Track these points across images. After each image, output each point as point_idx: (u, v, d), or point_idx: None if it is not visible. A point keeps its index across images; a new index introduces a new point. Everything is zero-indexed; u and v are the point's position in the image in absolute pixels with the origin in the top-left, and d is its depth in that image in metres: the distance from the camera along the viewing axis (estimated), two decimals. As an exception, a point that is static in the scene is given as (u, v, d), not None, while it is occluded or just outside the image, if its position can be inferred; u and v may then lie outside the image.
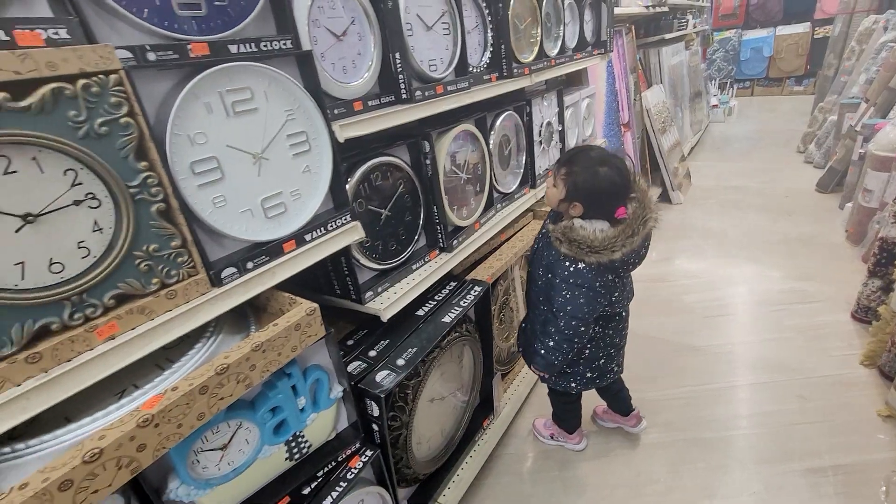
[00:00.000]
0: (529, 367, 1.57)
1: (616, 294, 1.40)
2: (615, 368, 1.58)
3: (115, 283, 0.70)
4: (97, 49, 0.64)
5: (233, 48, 0.83)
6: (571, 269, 1.29)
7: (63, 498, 0.58)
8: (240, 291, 0.85)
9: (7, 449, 0.65)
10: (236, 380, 0.78)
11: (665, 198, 4.09)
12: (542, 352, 1.41)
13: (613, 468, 1.74)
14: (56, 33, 0.63)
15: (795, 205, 3.82)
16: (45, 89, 0.59)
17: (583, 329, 1.34)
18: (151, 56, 0.73)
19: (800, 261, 2.99)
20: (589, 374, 1.53)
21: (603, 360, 1.52)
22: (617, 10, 2.79)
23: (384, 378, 1.14)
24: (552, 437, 1.84)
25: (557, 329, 1.35)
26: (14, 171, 0.60)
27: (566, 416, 1.78)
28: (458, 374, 1.55)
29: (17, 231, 0.61)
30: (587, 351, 1.49)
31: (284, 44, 0.91)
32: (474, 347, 1.57)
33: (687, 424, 1.89)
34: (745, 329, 2.45)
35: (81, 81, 0.62)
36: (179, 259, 0.77)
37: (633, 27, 3.60)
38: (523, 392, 1.95)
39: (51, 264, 0.65)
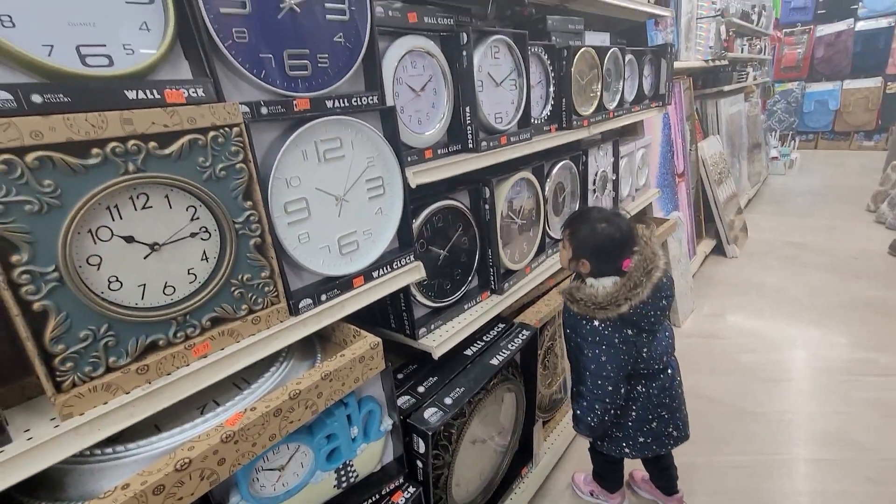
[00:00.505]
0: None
1: (645, 350, 1.35)
2: (673, 433, 1.46)
3: (212, 307, 0.79)
4: (227, 106, 0.75)
5: (329, 103, 0.93)
6: (588, 327, 1.31)
7: (155, 501, 0.65)
8: (313, 321, 0.92)
9: (109, 450, 0.73)
10: (305, 405, 0.83)
11: (720, 251, 3.96)
12: (578, 413, 1.39)
13: (657, 535, 1.65)
14: (195, 92, 0.74)
15: (865, 267, 3.58)
16: (185, 139, 0.70)
17: (611, 388, 1.30)
18: (264, 110, 0.84)
19: (871, 328, 2.79)
20: (642, 440, 1.44)
21: (655, 424, 1.43)
22: (676, 64, 2.82)
23: (432, 415, 1.16)
24: (592, 495, 1.77)
25: (587, 389, 1.34)
26: (150, 207, 0.70)
27: (607, 475, 1.71)
28: (500, 417, 1.54)
29: (145, 258, 0.71)
30: (633, 413, 1.41)
31: (372, 99, 1.01)
32: (517, 392, 1.56)
33: (741, 497, 1.77)
34: (808, 397, 2.28)
35: (211, 133, 0.73)
36: (266, 288, 0.85)
37: (690, 78, 3.61)
38: (564, 442, 1.90)
39: (165, 287, 0.74)
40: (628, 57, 2.05)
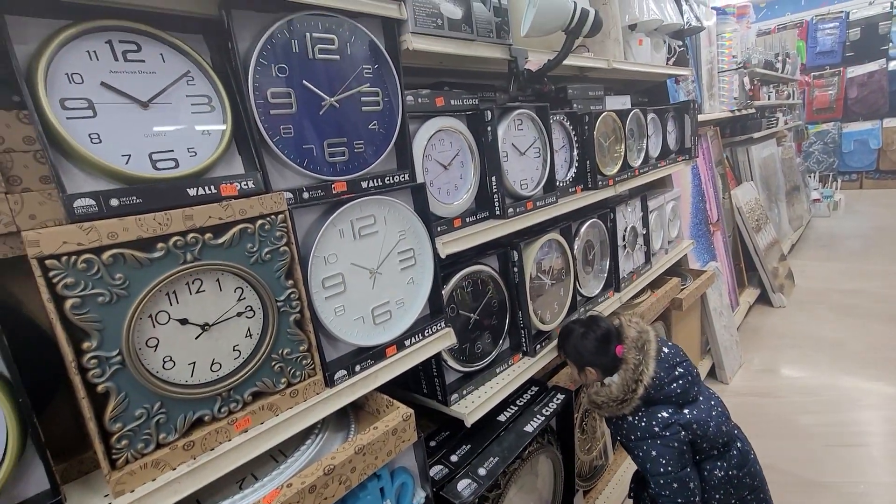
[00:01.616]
0: None
1: (695, 425, 1.28)
2: None
3: (254, 382, 0.83)
4: (273, 196, 0.83)
5: (364, 184, 1.01)
6: (625, 426, 1.30)
7: (194, 583, 0.66)
8: (348, 392, 0.94)
9: (153, 526, 0.76)
10: (339, 481, 0.84)
11: (765, 300, 3.77)
12: None
13: None
14: (246, 185, 0.83)
15: (932, 316, 3.32)
16: (236, 229, 0.78)
17: (676, 486, 1.22)
18: (305, 195, 0.92)
19: (946, 385, 2.54)
20: None
21: (748, 494, 1.32)
22: (700, 117, 2.86)
23: (465, 487, 1.13)
24: None
25: (656, 493, 1.26)
26: (203, 290, 0.77)
27: None
28: (537, 487, 1.48)
29: (196, 338, 0.76)
30: (716, 500, 1.31)
31: (403, 177, 1.08)
32: (554, 459, 1.50)
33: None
34: (884, 467, 2.07)
35: (259, 221, 0.80)
36: (304, 361, 0.89)
37: (717, 129, 3.63)
38: (607, 514, 1.78)
39: (212, 364, 0.79)
40: (651, 116, 2.11)
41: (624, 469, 1.96)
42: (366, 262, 1.01)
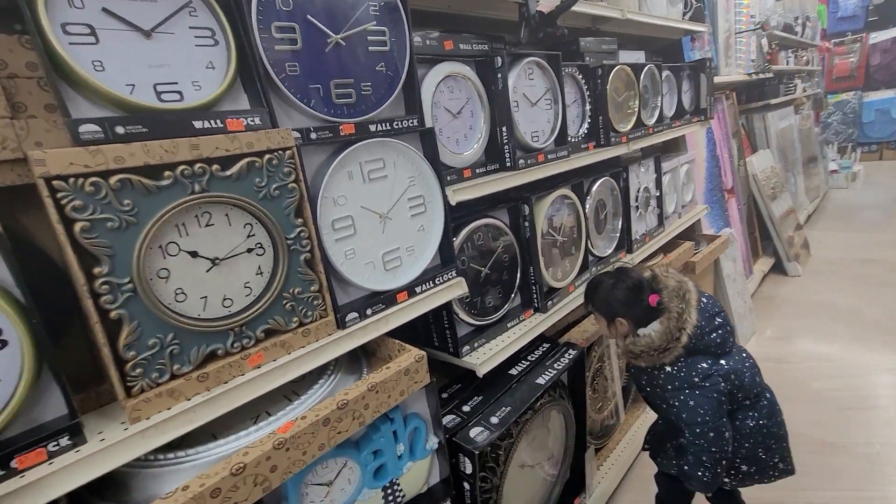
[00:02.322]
0: (669, 470, 1.44)
1: (733, 375, 1.27)
2: (779, 465, 1.34)
3: (266, 319, 0.83)
4: (280, 132, 0.81)
5: (372, 127, 0.99)
6: (662, 376, 1.27)
7: (212, 504, 0.67)
8: (359, 335, 0.94)
9: (171, 455, 0.77)
10: (352, 416, 0.85)
11: (780, 269, 3.71)
12: (686, 469, 1.28)
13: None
14: (252, 120, 0.81)
15: (952, 283, 3.24)
16: (243, 162, 0.76)
17: (713, 435, 1.21)
18: (313, 136, 0.90)
19: (964, 350, 2.50)
20: (745, 468, 1.33)
21: (763, 454, 1.32)
22: (716, 79, 2.77)
23: (478, 434, 1.14)
24: None
25: (688, 442, 1.25)
26: (212, 224, 0.76)
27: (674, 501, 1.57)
28: (550, 442, 1.48)
29: (207, 271, 0.76)
30: (745, 448, 1.31)
31: (412, 122, 1.06)
32: (566, 414, 1.50)
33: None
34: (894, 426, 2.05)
35: (267, 156, 0.79)
36: (315, 302, 0.89)
37: (733, 93, 3.52)
38: (620, 470, 1.79)
39: (224, 300, 0.79)
40: (665, 73, 2.04)
41: (636, 429, 1.96)
42: (376, 205, 1.00)
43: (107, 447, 0.66)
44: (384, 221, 1.01)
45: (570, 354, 1.47)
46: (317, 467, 0.91)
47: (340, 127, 0.94)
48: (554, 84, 1.43)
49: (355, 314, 0.95)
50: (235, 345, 0.80)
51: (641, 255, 1.97)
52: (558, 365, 1.42)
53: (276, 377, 0.82)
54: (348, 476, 0.97)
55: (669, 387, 1.26)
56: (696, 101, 2.36)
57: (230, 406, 0.77)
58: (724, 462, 1.23)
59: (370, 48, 0.98)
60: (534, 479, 1.43)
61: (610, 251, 1.82)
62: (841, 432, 2.05)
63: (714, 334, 1.28)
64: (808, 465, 1.89)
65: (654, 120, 1.95)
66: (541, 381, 1.34)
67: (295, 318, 0.86)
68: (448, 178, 1.17)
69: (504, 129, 1.28)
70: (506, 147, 1.29)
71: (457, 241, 1.22)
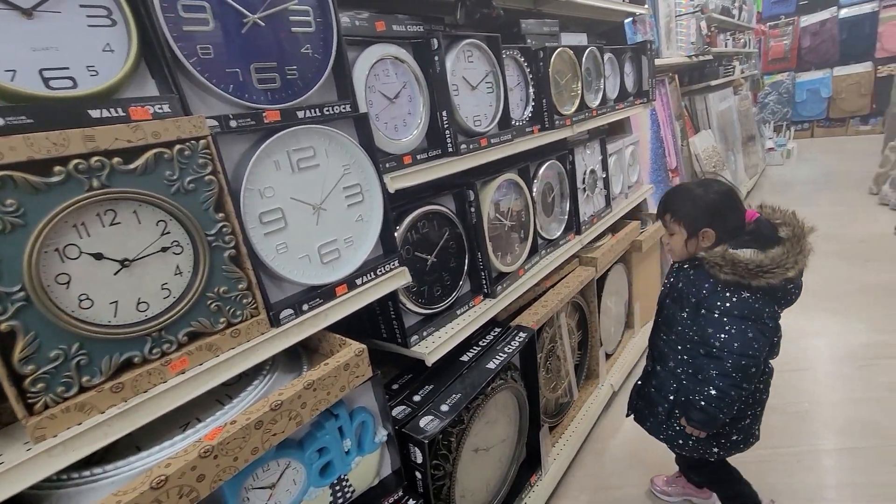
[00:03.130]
0: (659, 432, 1.40)
1: (778, 335, 1.24)
2: (756, 433, 1.37)
3: (188, 322, 0.78)
4: (192, 119, 0.75)
5: (300, 113, 0.94)
6: (734, 299, 1.16)
7: (131, 522, 0.63)
8: (295, 332, 0.90)
9: (86, 472, 0.72)
10: (289, 416, 0.82)
11: (721, 244, 3.91)
12: (703, 403, 1.21)
13: (677, 538, 1.58)
14: (161, 108, 0.75)
15: (873, 250, 3.52)
16: (150, 154, 0.71)
17: (753, 370, 1.16)
18: (233, 123, 0.85)
19: (886, 311, 2.72)
20: (735, 437, 1.31)
21: (749, 421, 1.32)
22: (658, 62, 2.84)
23: (428, 423, 1.14)
24: None
25: (722, 372, 1.17)
26: (118, 223, 0.70)
27: (738, 488, 1.49)
28: (504, 424, 1.51)
29: (115, 274, 0.70)
30: (740, 412, 1.28)
31: (344, 108, 1.01)
32: (519, 396, 1.53)
33: (764, 494, 1.70)
34: (827, 386, 2.21)
35: (178, 146, 0.73)
36: (244, 300, 0.84)
37: (675, 76, 3.63)
38: (574, 447, 1.85)
39: (138, 303, 0.73)
40: (607, 55, 2.07)
41: (588, 405, 2.03)
42: (308, 196, 0.95)
43: (7, 470, 0.60)
44: (318, 213, 0.97)
45: (520, 337, 1.48)
46: (257, 471, 0.87)
47: (264, 114, 0.89)
48: (495, 67, 1.41)
49: (290, 311, 0.91)
50: (154, 351, 0.74)
51: (590, 235, 2.01)
52: (509, 348, 1.43)
53: (203, 382, 0.77)
54: (293, 476, 0.94)
55: (736, 312, 1.16)
56: (639, 84, 2.42)
57: (152, 416, 0.72)
58: (741, 399, 1.20)
59: (293, 29, 0.93)
60: (489, 462, 1.45)
61: (559, 233, 1.85)
62: (775, 393, 2.16)
63: (797, 291, 1.22)
64: (746, 426, 2.03)
65: (597, 102, 1.98)
66: (491, 365, 1.35)
67: (222, 319, 0.82)
68: (386, 165, 1.14)
69: (444, 113, 1.26)
70: (447, 132, 1.27)
71: (400, 230, 1.20)
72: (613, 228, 2.29)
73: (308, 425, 0.97)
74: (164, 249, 0.75)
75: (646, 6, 2.54)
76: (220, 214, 0.80)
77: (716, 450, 1.33)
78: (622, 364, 2.33)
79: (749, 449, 1.37)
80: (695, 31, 3.48)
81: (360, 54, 1.09)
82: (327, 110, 0.98)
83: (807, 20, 7.98)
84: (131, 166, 0.69)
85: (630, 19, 2.56)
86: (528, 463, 1.66)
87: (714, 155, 3.96)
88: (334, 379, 0.89)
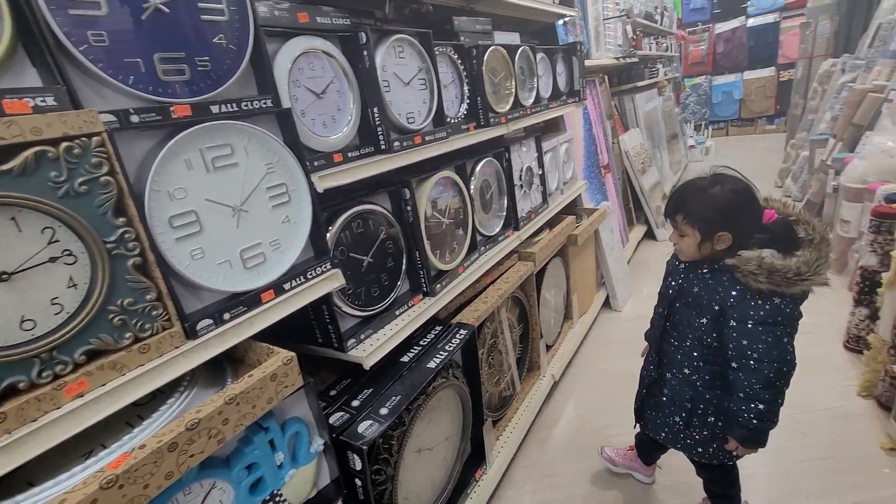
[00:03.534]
0: (676, 442, 1.34)
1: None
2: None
3: (86, 339, 0.70)
4: (81, 114, 0.67)
5: (214, 108, 0.88)
6: (767, 307, 1.09)
7: (16, 570, 0.55)
8: (216, 343, 0.84)
9: (-38, 519, 0.63)
10: (208, 435, 0.76)
11: (650, 235, 4.17)
12: (755, 421, 1.13)
13: (614, 517, 1.66)
14: (43, 101, 0.67)
15: (778, 238, 3.90)
16: (28, 153, 0.62)
17: (789, 374, 1.11)
18: (135, 119, 0.77)
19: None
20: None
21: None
22: (588, 62, 2.96)
23: (367, 429, 1.11)
24: None
25: (766, 383, 1.10)
26: (-10, 231, 0.61)
27: (734, 490, 1.47)
28: (447, 422, 1.51)
29: (-11, 290, 0.62)
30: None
31: (265, 103, 0.96)
32: (462, 393, 1.54)
33: (682, 467, 1.82)
34: (738, 364, 2.42)
35: (64, 144, 0.65)
36: (154, 312, 0.77)
37: (605, 77, 3.81)
38: (517, 439, 1.89)
39: (22, 322, 0.65)
40: (540, 55, 2.12)
41: (531, 396, 2.08)
42: (226, 198, 0.89)
43: None
44: (238, 215, 0.91)
45: (461, 335, 1.49)
46: (176, 495, 0.81)
47: (171, 108, 0.82)
48: (427, 63, 1.40)
49: (209, 321, 0.85)
50: (45, 374, 0.66)
51: (528, 231, 2.06)
52: (450, 346, 1.43)
53: (106, 405, 0.70)
54: (219, 497, 0.88)
55: (770, 320, 1.09)
56: (571, 83, 2.50)
57: (43, 447, 0.64)
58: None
59: (203, 17, 0.86)
60: (433, 461, 1.45)
61: (497, 230, 1.88)
62: None
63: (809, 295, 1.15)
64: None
65: (531, 101, 2.03)
66: (432, 364, 1.34)
67: (128, 334, 0.74)
68: (315, 163, 1.09)
69: (376, 110, 1.23)
70: (379, 129, 1.24)
71: (332, 231, 1.16)
72: (550, 223, 2.36)
73: (235, 441, 0.91)
74: (52, 260, 0.67)
75: (575, 9, 2.64)
76: (122, 219, 0.73)
77: (735, 453, 1.26)
78: (562, 354, 2.41)
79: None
80: (621, 34, 3.67)
81: (282, 47, 1.03)
82: (246, 105, 0.92)
83: (720, 27, 8.69)
84: (7, 167, 0.61)
85: (562, 21, 2.64)
86: (473, 458, 1.67)
87: (642, 152, 4.20)
88: (260, 391, 0.84)
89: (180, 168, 0.82)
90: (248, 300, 0.91)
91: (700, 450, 1.32)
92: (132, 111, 0.77)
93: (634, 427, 1.54)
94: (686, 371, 1.29)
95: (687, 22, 8.86)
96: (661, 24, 5.26)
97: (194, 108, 0.84)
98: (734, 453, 1.25)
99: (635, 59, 4.02)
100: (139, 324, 0.76)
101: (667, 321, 1.34)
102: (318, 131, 1.13)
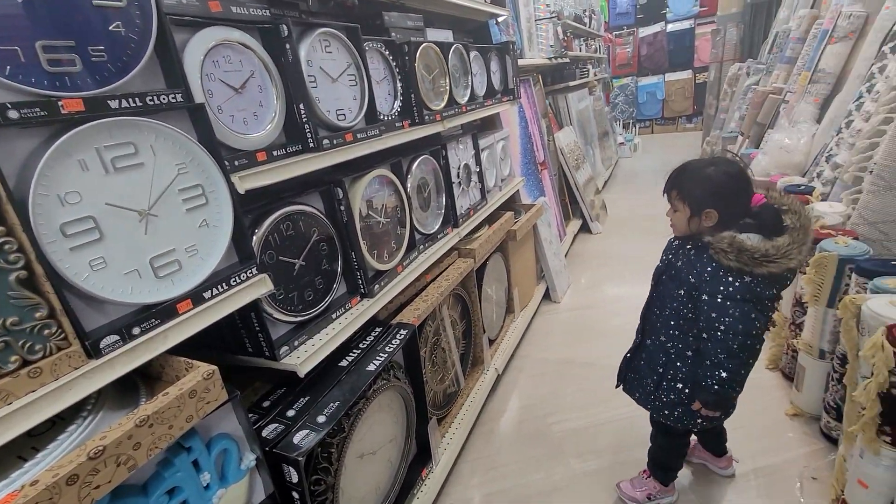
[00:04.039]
0: (647, 402, 1.45)
1: (772, 314, 1.27)
2: (735, 403, 1.41)
3: (-42, 367, 0.61)
4: (-64, 108, 0.58)
5: (113, 103, 0.79)
6: (737, 283, 1.18)
7: None
8: (124, 361, 0.77)
9: None
10: (116, 462, 0.69)
11: (585, 229, 4.37)
12: (716, 387, 1.23)
13: (558, 501, 1.72)
14: None
15: (697, 228, 4.22)
16: None
17: (758, 347, 1.20)
18: (13, 114, 0.68)
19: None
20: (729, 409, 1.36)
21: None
22: (521, 62, 3.04)
23: (303, 439, 1.07)
24: (649, 498, 1.61)
25: (730, 353, 1.20)
26: None
27: (674, 462, 1.59)
28: (390, 424, 1.49)
29: None
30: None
31: (174, 98, 0.88)
32: (405, 394, 1.52)
33: (622, 447, 1.93)
34: (666, 346, 2.60)
35: (-86, 143, 0.56)
36: (46, 331, 0.69)
37: (539, 77, 3.93)
38: (463, 435, 1.91)
39: None
40: (473, 53, 2.14)
41: (476, 391, 2.11)
42: (130, 201, 0.81)
43: None
44: (147, 220, 0.84)
45: (402, 335, 1.47)
46: (83, 532, 0.73)
47: (60, 102, 0.73)
48: (357, 59, 1.36)
49: (115, 337, 0.77)
50: None
51: (467, 228, 2.08)
52: (390, 347, 1.41)
53: (-14, 440, 0.61)
54: (136, 528, 0.80)
55: (739, 296, 1.18)
56: (505, 82, 2.55)
57: None
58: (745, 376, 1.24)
59: (95, 2, 0.78)
60: (377, 465, 1.42)
61: (437, 227, 1.88)
62: (626, 347, 2.51)
63: (792, 276, 1.24)
64: (607, 389, 2.25)
65: (466, 98, 2.04)
66: (372, 367, 1.32)
67: (14, 357, 0.66)
68: (236, 163, 1.03)
69: (302, 106, 1.17)
70: (306, 126, 1.19)
71: (259, 234, 1.10)
72: (490, 220, 2.40)
73: (152, 465, 0.84)
74: None
75: (507, 9, 2.69)
76: (0, 228, 0.64)
77: (699, 420, 1.37)
78: (505, 347, 2.47)
79: (729, 416, 1.44)
80: (552, 35, 3.80)
81: (193, 37, 0.96)
82: (152, 100, 0.85)
83: (644, 31, 9.26)
84: None
85: (495, 20, 2.69)
86: (420, 457, 1.67)
87: (576, 149, 4.38)
88: (178, 409, 0.77)
89: (73, 169, 0.73)
90: (162, 312, 0.84)
91: (666, 412, 1.42)
92: (9, 106, 0.68)
93: (616, 387, 1.66)
94: (662, 338, 1.39)
95: (613, 25, 9.36)
96: (589, 27, 5.51)
97: (88, 102, 0.76)
98: (699, 418, 1.36)
99: (567, 60, 4.18)
100: (27, 345, 0.67)
101: (654, 292, 1.45)
102: (239, 129, 1.07)
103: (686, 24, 8.90)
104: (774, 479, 1.70)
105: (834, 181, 2.27)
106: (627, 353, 1.59)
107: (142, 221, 0.83)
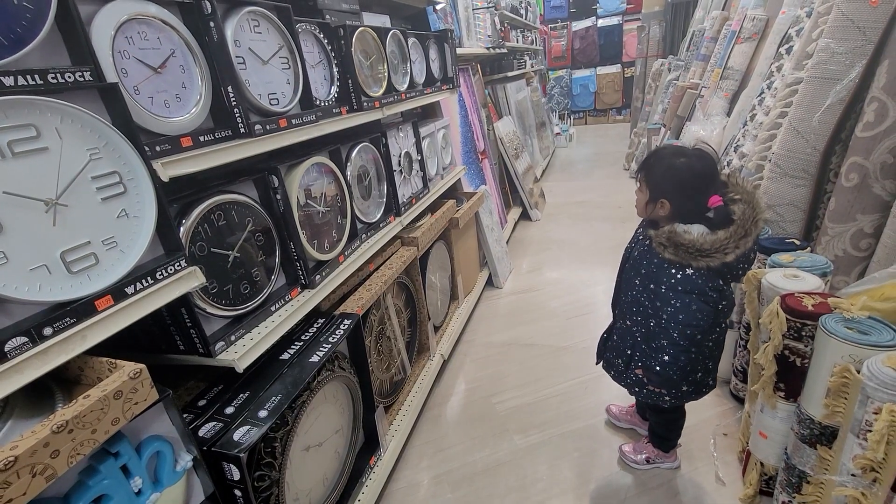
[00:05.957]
0: (620, 380, 1.51)
1: (724, 302, 1.29)
2: (710, 383, 1.44)
3: None
4: None
5: (7, 80, 0.71)
6: (679, 276, 1.21)
7: None
8: (34, 364, 0.70)
9: None
10: (31, 473, 0.63)
11: (525, 216, 4.52)
12: (658, 368, 1.29)
13: (503, 475, 1.80)
14: None
15: (628, 213, 4.50)
16: None
17: (699, 338, 1.24)
18: None
19: (635, 260, 3.52)
20: (686, 388, 1.40)
21: (700, 374, 1.39)
22: (460, 51, 3.06)
23: (243, 435, 1.03)
24: (648, 461, 1.71)
25: (671, 342, 1.25)
26: None
27: (671, 433, 1.67)
28: (336, 415, 1.47)
29: None
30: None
31: (81, 75, 0.81)
32: (350, 384, 1.51)
33: (561, 420, 2.05)
34: (602, 324, 2.76)
35: None
36: (-65, 336, 0.61)
37: (479, 66, 3.98)
38: (410, 421, 1.93)
39: None
40: (412, 40, 2.12)
41: (422, 378, 2.14)
42: (33, 190, 0.73)
43: None
44: (54, 210, 0.76)
45: (345, 325, 1.46)
46: (-7, 553, 0.66)
47: (-61, 78, 0.64)
48: (289, 41, 1.31)
49: (23, 339, 0.70)
50: None
51: (410, 216, 2.08)
52: (333, 338, 1.39)
53: None
54: (57, 543, 0.75)
55: (680, 288, 1.21)
56: (444, 70, 2.56)
57: None
58: (692, 361, 1.28)
59: (-22, -36, 0.69)
60: (323, 457, 1.41)
61: (379, 216, 1.86)
62: (567, 336, 2.66)
63: (744, 266, 1.26)
64: (546, 366, 2.41)
65: (405, 86, 2.03)
66: (315, 358, 1.30)
67: None
68: (158, 148, 0.96)
69: (230, 89, 1.11)
70: (236, 111, 1.13)
71: (187, 225, 1.03)
72: (432, 208, 2.42)
73: (74, 474, 0.78)
74: None
75: (444, -4, 2.69)
76: None
77: (668, 398, 1.44)
78: (450, 333, 2.51)
79: (703, 396, 1.46)
80: (490, 25, 3.85)
81: (100, 10, 0.87)
82: (54, 77, 0.77)
83: (576, 25, 9.61)
84: None
85: (433, 7, 2.67)
86: (367, 446, 1.67)
87: (515, 139, 4.50)
88: (101, 412, 0.72)
89: (-41, 154, 0.65)
90: (78, 310, 0.78)
91: (637, 389, 1.50)
92: None
93: (596, 364, 1.72)
94: (628, 322, 1.46)
95: (549, 18, 9.63)
96: (525, 19, 5.64)
97: (-25, 78, 0.68)
98: (667, 395, 1.43)
99: (505, 51, 4.26)
100: (-89, 353, 0.59)
101: (621, 275, 1.51)
102: (160, 111, 0.99)
103: (615, 20, 9.34)
104: (693, 437, 1.88)
105: (741, 169, 2.52)
106: (604, 332, 1.67)
107: (49, 212, 0.76)
